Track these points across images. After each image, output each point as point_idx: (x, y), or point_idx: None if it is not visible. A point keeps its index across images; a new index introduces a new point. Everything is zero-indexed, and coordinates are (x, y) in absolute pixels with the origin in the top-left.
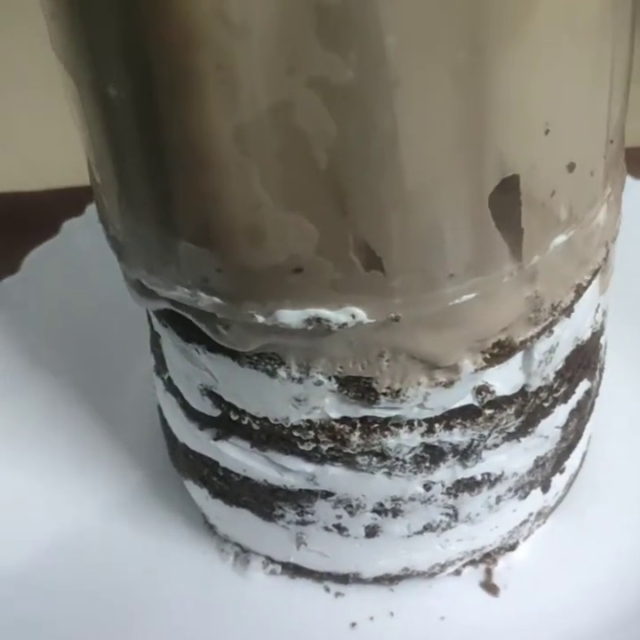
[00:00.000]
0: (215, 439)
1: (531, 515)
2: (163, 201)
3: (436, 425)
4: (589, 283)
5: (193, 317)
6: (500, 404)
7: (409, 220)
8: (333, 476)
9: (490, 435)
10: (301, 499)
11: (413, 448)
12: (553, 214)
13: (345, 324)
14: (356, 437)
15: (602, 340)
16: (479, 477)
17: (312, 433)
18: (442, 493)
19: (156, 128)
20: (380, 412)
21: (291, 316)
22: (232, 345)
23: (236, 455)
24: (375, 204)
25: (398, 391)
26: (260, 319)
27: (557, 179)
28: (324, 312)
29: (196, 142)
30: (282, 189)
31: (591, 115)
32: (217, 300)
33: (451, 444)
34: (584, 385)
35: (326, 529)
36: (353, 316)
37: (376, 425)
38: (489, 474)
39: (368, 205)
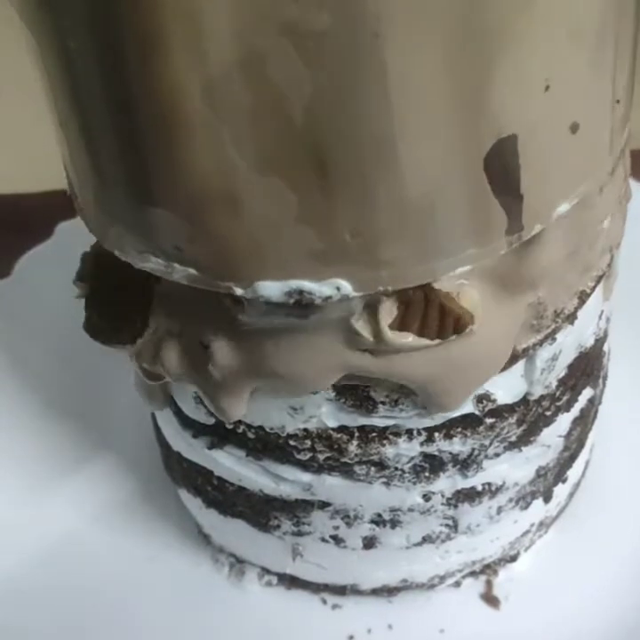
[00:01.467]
0: (209, 448)
1: (532, 525)
2: (131, 165)
3: (436, 434)
4: (593, 289)
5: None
6: (501, 412)
7: (396, 184)
8: (330, 485)
9: (491, 444)
10: (297, 509)
11: (412, 457)
12: (555, 180)
13: (329, 298)
14: (353, 447)
15: (605, 347)
16: (480, 487)
17: (309, 442)
18: (441, 504)
19: (119, 84)
20: (378, 421)
21: (271, 289)
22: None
23: (230, 464)
24: (358, 168)
25: (397, 400)
26: (239, 291)
27: (560, 140)
28: (307, 284)
29: (161, 99)
30: (256, 151)
31: (595, 71)
32: (192, 271)
33: (451, 453)
34: (587, 393)
35: (323, 540)
36: (338, 289)
37: (374, 434)
38: (490, 484)
39: (350, 169)
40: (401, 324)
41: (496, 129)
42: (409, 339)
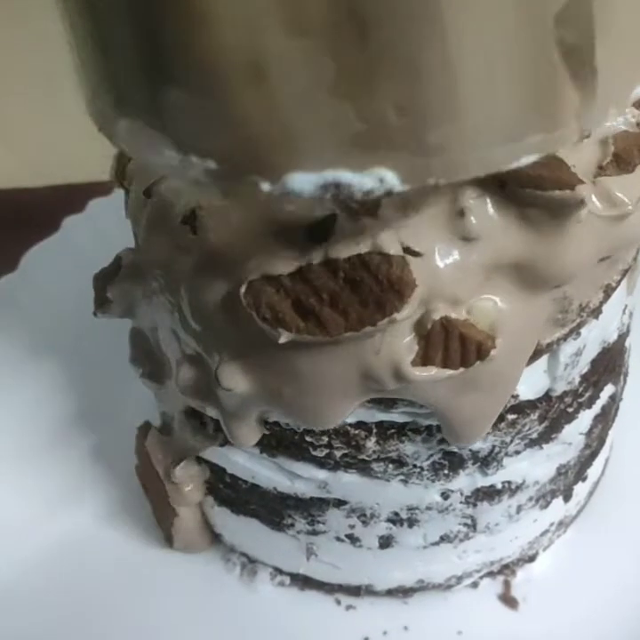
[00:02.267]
0: (222, 444)
1: (552, 525)
2: (141, 35)
3: None
4: (618, 283)
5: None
6: (523, 408)
7: (448, 50)
8: (347, 483)
9: (512, 441)
10: (312, 507)
11: (431, 455)
12: (634, 54)
13: (371, 191)
14: (371, 443)
15: (627, 343)
16: (499, 486)
17: (325, 438)
18: (460, 502)
19: None
20: (397, 417)
21: (303, 182)
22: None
23: (243, 461)
24: (404, 31)
25: None
26: (266, 187)
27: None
28: (346, 175)
29: None
30: (287, 9)
31: None
32: (210, 164)
33: (471, 450)
34: (609, 389)
35: (338, 539)
36: (381, 181)
37: (393, 430)
38: (510, 482)
39: (394, 28)
40: (424, 359)
41: None
42: (433, 371)
